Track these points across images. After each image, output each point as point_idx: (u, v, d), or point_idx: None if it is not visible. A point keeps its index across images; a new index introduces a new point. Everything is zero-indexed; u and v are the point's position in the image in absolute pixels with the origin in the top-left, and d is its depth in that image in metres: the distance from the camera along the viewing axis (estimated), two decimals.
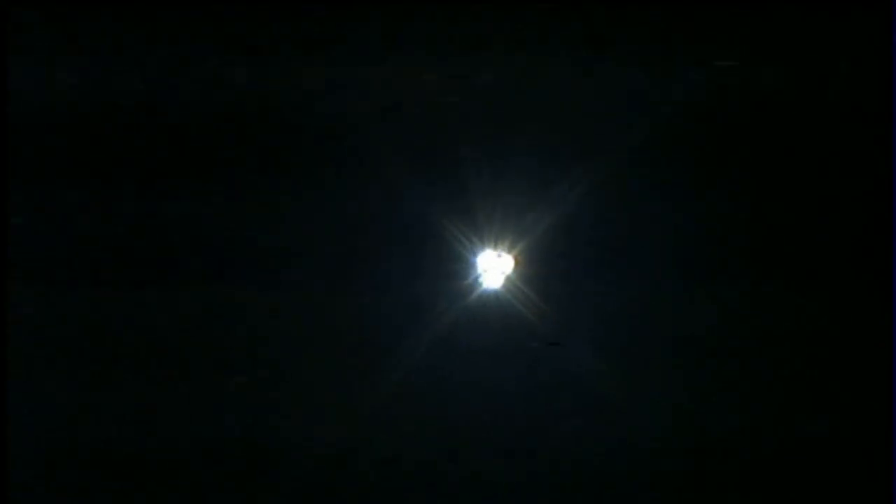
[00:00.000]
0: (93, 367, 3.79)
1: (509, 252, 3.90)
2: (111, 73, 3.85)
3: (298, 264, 3.85)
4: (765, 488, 3.92)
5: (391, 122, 3.88)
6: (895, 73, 4.00)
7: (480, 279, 3.90)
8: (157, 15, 3.88)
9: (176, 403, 3.79)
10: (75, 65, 3.85)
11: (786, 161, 4.02)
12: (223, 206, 3.83)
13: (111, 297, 3.79)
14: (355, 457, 3.81)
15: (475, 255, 3.89)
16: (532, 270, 3.91)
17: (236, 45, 3.87)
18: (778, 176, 4.01)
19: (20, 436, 3.75)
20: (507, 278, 3.91)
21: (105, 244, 3.81)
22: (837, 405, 3.96)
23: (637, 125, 3.94)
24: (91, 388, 3.78)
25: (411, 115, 3.89)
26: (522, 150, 3.90)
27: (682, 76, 3.98)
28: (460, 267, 3.89)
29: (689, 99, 3.98)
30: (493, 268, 3.89)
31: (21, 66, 3.84)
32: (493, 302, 3.90)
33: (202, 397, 3.79)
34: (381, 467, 3.81)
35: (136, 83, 3.85)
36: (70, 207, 3.82)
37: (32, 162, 3.83)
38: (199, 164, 3.85)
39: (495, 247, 3.89)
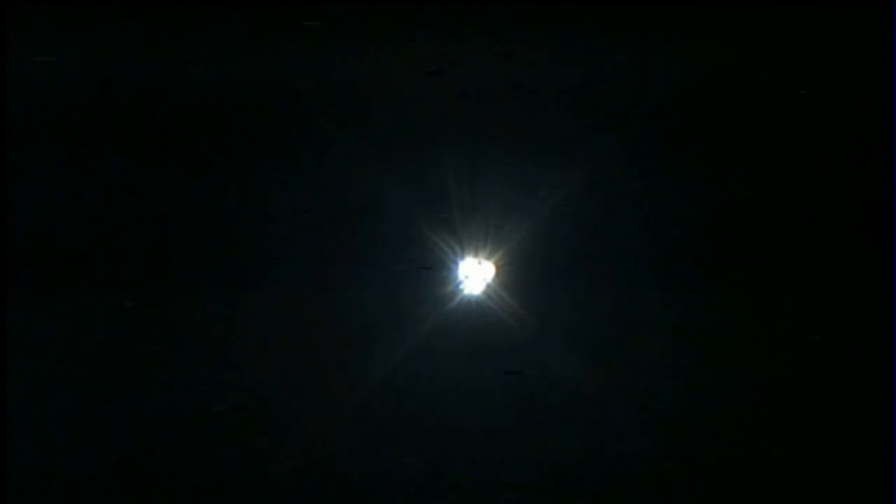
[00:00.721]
0: (83, 370, 3.96)
1: (490, 259, 3.97)
2: (98, 71, 4.00)
3: (280, 271, 3.96)
4: (756, 488, 3.91)
5: (372, 130, 3.98)
6: (895, 73, 3.96)
7: (462, 286, 3.97)
8: (149, 9, 4.00)
9: (164, 404, 3.94)
10: (67, 64, 3.99)
11: (782, 162, 4.00)
12: (207, 209, 3.97)
13: (98, 300, 3.95)
14: (334, 458, 3.91)
15: (457, 262, 3.97)
16: (512, 277, 3.96)
17: (226, 43, 4.00)
18: (771, 177, 3.99)
19: (18, 440, 3.92)
20: (488, 285, 3.97)
21: (92, 246, 3.98)
22: (836, 408, 3.93)
23: (623, 126, 3.96)
24: (83, 389, 3.96)
25: (392, 121, 3.99)
26: (501, 157, 3.97)
27: (675, 76, 3.99)
28: (442, 274, 3.97)
29: (683, 100, 3.99)
30: (475, 275, 3.97)
31: (13, 63, 3.98)
32: (474, 308, 3.97)
33: (187, 400, 3.94)
34: (360, 469, 3.91)
35: (126, 80, 3.97)
36: (62, 206, 3.98)
37: (24, 160, 4.00)
38: (187, 168, 4.00)
39: (476, 254, 3.96)
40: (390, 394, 3.92)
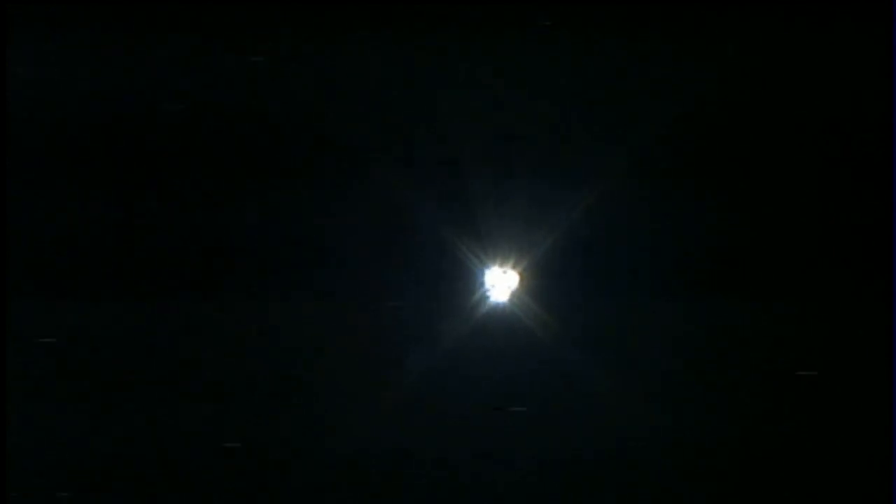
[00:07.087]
0: (111, 382, 4.12)
1: (514, 268, 4.17)
2: (102, 81, 4.12)
3: (312, 279, 4.14)
4: (762, 490, 4.12)
5: (400, 143, 4.15)
6: (895, 73, 4.04)
7: (488, 294, 4.19)
8: (150, 17, 4.12)
9: (188, 410, 4.10)
10: (70, 74, 4.11)
11: (787, 166, 4.13)
12: (238, 216, 4.14)
13: (122, 309, 4.09)
14: (364, 461, 4.10)
15: (483, 271, 4.18)
16: (536, 285, 4.17)
17: (240, 52, 4.14)
18: (779, 183, 4.12)
19: (19, 450, 4.03)
20: (513, 293, 4.18)
21: (113, 254, 4.11)
22: (839, 410, 4.09)
23: (636, 135, 4.11)
24: (102, 402, 4.10)
25: (421, 136, 4.16)
26: (526, 172, 4.15)
27: (679, 85, 4.12)
28: (469, 283, 4.18)
29: (689, 108, 4.12)
30: (500, 283, 4.18)
31: (18, 73, 4.10)
32: (499, 315, 4.18)
33: (214, 404, 4.11)
34: (388, 471, 4.12)
35: (131, 90, 4.11)
36: (71, 214, 4.10)
37: (28, 171, 4.12)
38: (219, 176, 4.16)
39: (501, 264, 4.17)
40: (418, 397, 4.11)
